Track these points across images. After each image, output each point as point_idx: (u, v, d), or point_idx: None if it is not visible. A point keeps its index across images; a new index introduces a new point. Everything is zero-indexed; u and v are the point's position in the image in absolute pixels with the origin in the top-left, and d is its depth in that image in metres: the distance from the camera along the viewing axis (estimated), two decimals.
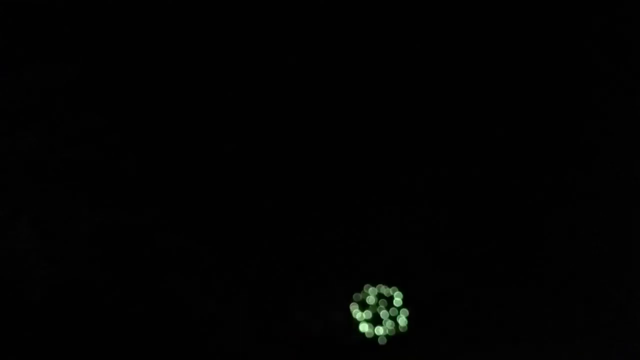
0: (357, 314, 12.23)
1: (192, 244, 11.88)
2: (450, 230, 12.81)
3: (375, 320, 12.26)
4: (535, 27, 12.89)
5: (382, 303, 12.28)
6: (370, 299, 12.28)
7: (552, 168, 12.93)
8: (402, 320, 12.24)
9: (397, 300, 12.31)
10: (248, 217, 12.38)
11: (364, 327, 12.22)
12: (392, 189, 12.85)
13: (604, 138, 12.78)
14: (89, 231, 11.50)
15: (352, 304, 12.27)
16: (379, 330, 12.20)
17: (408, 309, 12.29)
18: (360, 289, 12.35)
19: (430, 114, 12.93)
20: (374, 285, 12.38)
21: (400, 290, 12.33)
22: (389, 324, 12.22)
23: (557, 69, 12.94)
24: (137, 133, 11.97)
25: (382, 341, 12.21)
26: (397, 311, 12.29)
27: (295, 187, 12.54)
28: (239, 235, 12.25)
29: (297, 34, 12.63)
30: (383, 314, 12.23)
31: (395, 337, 12.22)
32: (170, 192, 12.06)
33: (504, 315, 12.44)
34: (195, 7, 12.45)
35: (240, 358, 11.82)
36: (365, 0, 12.79)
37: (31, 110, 11.46)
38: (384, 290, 12.35)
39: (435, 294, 12.45)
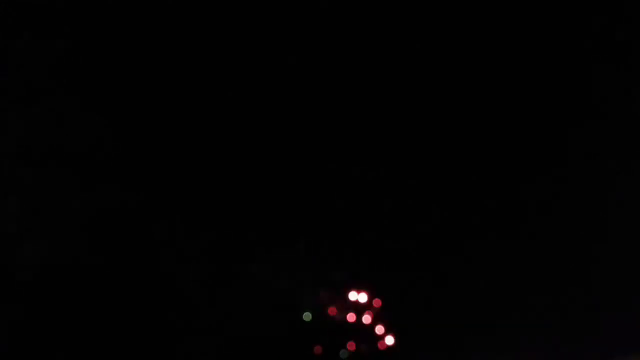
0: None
1: (182, 228, 11.97)
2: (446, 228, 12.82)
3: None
4: (535, 27, 12.91)
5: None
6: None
7: (551, 168, 12.89)
8: None
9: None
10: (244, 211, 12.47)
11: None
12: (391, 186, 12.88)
13: (604, 138, 12.73)
14: (81, 215, 11.60)
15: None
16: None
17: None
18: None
19: (428, 112, 12.97)
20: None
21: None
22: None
23: (557, 68, 12.94)
24: (130, 119, 12.10)
25: None
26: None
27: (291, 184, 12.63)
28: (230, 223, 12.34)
29: (297, 34, 12.71)
30: None
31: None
32: (160, 176, 12.14)
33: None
34: (195, 6, 12.58)
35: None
36: (365, 1, 12.87)
37: (23, 95, 11.60)
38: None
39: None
